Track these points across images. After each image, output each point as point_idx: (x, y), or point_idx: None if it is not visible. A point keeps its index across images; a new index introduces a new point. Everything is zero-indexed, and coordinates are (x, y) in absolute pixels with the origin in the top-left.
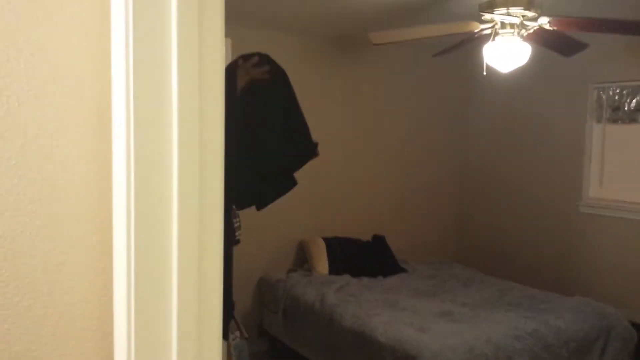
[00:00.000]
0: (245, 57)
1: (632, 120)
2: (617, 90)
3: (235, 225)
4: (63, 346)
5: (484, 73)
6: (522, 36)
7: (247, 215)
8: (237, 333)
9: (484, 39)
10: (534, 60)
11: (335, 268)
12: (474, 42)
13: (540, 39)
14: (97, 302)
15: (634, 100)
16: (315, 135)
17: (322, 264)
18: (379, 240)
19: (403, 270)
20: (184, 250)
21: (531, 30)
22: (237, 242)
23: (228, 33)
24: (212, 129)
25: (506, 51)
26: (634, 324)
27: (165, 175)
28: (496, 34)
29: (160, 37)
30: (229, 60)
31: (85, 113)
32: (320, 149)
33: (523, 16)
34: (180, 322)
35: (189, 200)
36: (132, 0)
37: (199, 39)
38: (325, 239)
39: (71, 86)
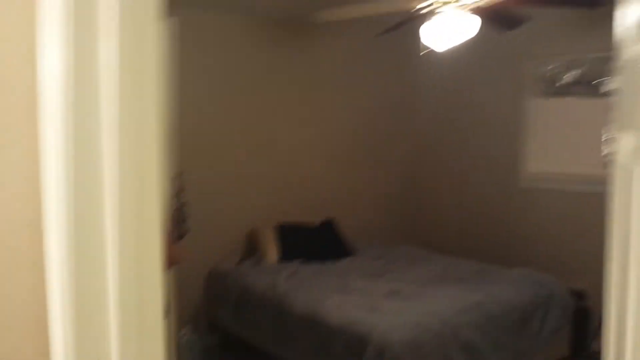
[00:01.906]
0: None
1: (567, 93)
2: (553, 65)
3: (184, 214)
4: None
5: (420, 53)
6: (462, 11)
7: (195, 206)
8: (187, 329)
9: (425, 17)
10: (473, 38)
11: (286, 255)
12: (416, 20)
13: (481, 14)
14: (31, 288)
15: (569, 75)
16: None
17: (272, 252)
18: (328, 224)
19: (352, 252)
20: (122, 236)
21: (471, 6)
22: (187, 231)
23: (173, 13)
24: (149, 112)
25: (446, 29)
26: (572, 291)
27: (99, 162)
28: (436, 11)
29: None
30: (173, 41)
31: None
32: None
33: None
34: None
35: (126, 189)
36: None
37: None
38: (275, 227)
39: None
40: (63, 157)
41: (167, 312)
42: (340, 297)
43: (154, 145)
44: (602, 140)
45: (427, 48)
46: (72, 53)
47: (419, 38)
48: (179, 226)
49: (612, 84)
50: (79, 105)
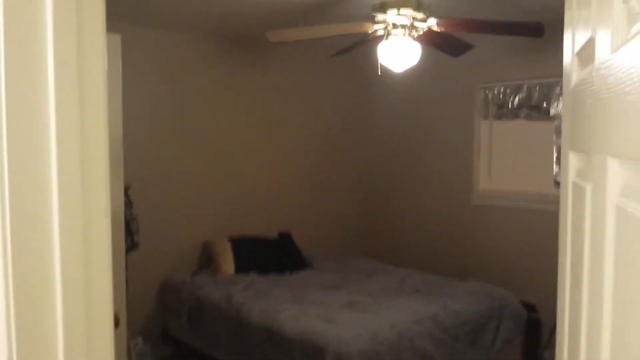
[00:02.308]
0: None
1: (516, 116)
2: (502, 89)
3: (133, 229)
4: None
5: (379, 73)
6: (412, 37)
7: (147, 218)
8: (139, 339)
9: (378, 40)
10: (427, 61)
11: (242, 267)
12: (369, 42)
13: (430, 39)
14: None
15: (517, 98)
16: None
17: (227, 264)
18: (284, 237)
19: (309, 265)
20: (68, 249)
21: (421, 32)
22: (136, 245)
23: (118, 30)
24: (94, 126)
25: (398, 51)
26: (524, 304)
27: (43, 175)
28: (389, 34)
29: (35, 32)
30: (117, 57)
31: None
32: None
33: (413, 17)
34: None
35: (71, 201)
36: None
37: (77, 33)
38: (231, 239)
39: None
40: (7, 169)
41: (116, 323)
42: (297, 309)
43: (98, 158)
44: (551, 160)
45: (385, 68)
46: (15, 64)
47: (373, 59)
48: (127, 240)
49: (558, 107)
50: (22, 117)
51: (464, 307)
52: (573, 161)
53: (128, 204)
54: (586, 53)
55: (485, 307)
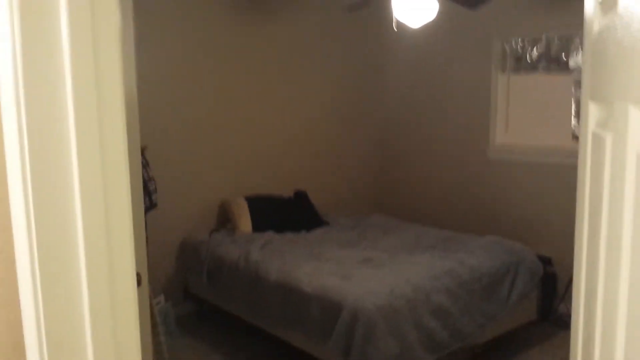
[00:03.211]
0: None
1: (534, 69)
2: (520, 42)
3: (151, 188)
4: None
5: (395, 29)
6: None
7: (166, 178)
8: (161, 297)
9: None
10: (443, 15)
11: (259, 226)
12: None
13: None
14: (1, 269)
15: (535, 51)
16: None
17: (245, 223)
18: (300, 196)
19: (325, 223)
20: (89, 212)
21: None
22: (154, 205)
23: None
24: (109, 86)
25: (415, 5)
26: (540, 257)
27: (62, 136)
28: None
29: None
30: (129, 12)
31: None
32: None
33: None
34: (90, 287)
35: (90, 163)
36: None
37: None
38: (247, 198)
39: None
40: (26, 130)
41: (138, 282)
42: (314, 265)
43: (115, 118)
44: (569, 113)
45: (401, 24)
46: (28, 26)
47: (389, 15)
48: (145, 200)
49: (578, 58)
50: (36, 78)
51: (480, 262)
52: (593, 111)
53: (145, 164)
54: (608, 0)
55: (501, 262)
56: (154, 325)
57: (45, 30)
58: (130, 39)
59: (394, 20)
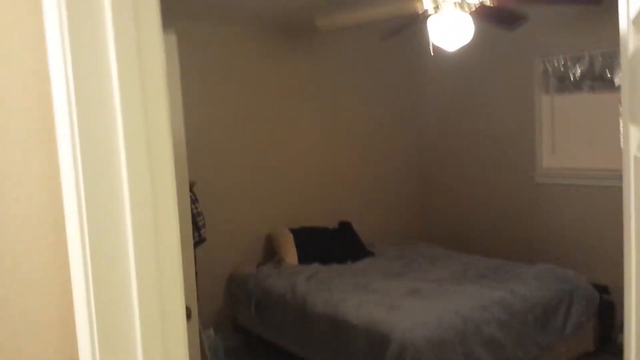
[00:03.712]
0: None
1: (578, 89)
2: (562, 61)
3: (200, 223)
4: (26, 347)
5: (432, 53)
6: (465, 13)
7: (212, 213)
8: (211, 330)
9: (428, 19)
10: (480, 37)
11: (305, 257)
12: (420, 22)
13: (482, 14)
14: (57, 303)
15: (578, 69)
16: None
17: (291, 255)
18: (345, 227)
19: (371, 253)
20: (140, 248)
21: (473, 7)
22: (203, 240)
23: (171, 27)
24: (157, 126)
25: (450, 29)
26: (595, 285)
27: (114, 178)
28: (440, 13)
29: (97, 39)
30: (174, 57)
31: (27, 113)
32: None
33: None
34: (142, 323)
35: (141, 201)
36: (65, 3)
37: (136, 36)
38: (292, 230)
39: (9, 88)
40: (80, 174)
41: (188, 316)
42: (360, 297)
43: (163, 157)
44: (618, 132)
45: (437, 48)
46: (82, 66)
47: (424, 40)
48: (194, 234)
49: (619, 78)
50: (91, 116)
51: (532, 291)
52: (634, 133)
53: (194, 199)
54: None
55: (555, 291)
56: (204, 358)
57: (97, 72)
58: (176, 80)
59: (430, 44)
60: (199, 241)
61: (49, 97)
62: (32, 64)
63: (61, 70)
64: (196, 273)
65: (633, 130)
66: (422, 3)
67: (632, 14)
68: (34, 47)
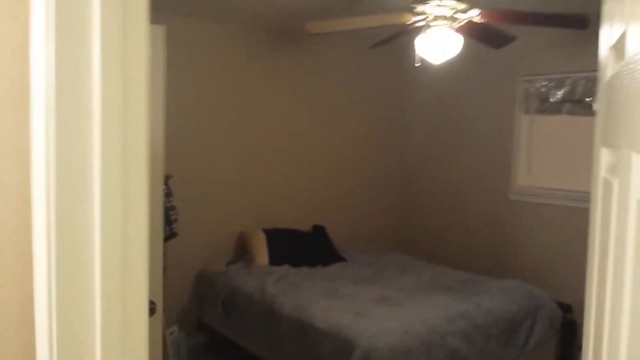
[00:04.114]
0: None
1: (558, 111)
2: (544, 83)
3: (172, 217)
4: None
5: (417, 64)
6: (453, 28)
7: (186, 208)
8: (175, 327)
9: (417, 31)
10: (466, 53)
11: (276, 259)
12: (408, 34)
13: (470, 31)
14: (17, 285)
15: (560, 92)
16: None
17: (262, 255)
18: (318, 231)
19: (342, 259)
20: (107, 238)
21: (462, 23)
22: (174, 234)
23: (163, 20)
24: (135, 117)
25: (437, 43)
26: (560, 304)
27: (85, 163)
28: (428, 26)
29: (82, 21)
30: (162, 48)
31: (4, 96)
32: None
33: (454, 8)
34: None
35: (111, 190)
36: None
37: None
38: (265, 230)
39: None
40: (52, 157)
41: (152, 310)
42: (328, 302)
43: (139, 148)
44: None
45: (423, 60)
46: (64, 55)
47: (412, 51)
48: (166, 228)
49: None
50: (68, 106)
51: (498, 306)
52: (605, 157)
53: (168, 193)
54: (619, 47)
55: (520, 307)
56: (165, 355)
57: (79, 53)
58: (161, 71)
59: (416, 56)
60: (169, 235)
61: (27, 77)
62: (13, 44)
63: (42, 50)
64: (164, 268)
65: (604, 153)
66: (411, 16)
67: (612, 40)
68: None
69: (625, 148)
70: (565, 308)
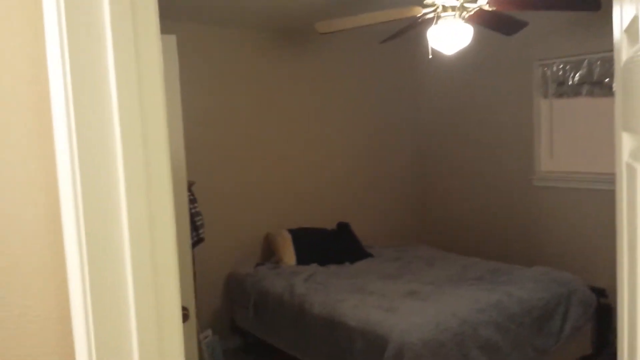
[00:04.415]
0: None
1: (577, 93)
2: (561, 66)
3: (198, 223)
4: (24, 346)
5: (430, 56)
6: (463, 18)
7: (211, 213)
8: (209, 331)
9: (427, 23)
10: (479, 41)
11: (303, 258)
12: (419, 27)
13: (481, 19)
14: (54, 302)
15: (577, 75)
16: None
17: (289, 256)
18: (343, 228)
19: (369, 255)
20: (136, 248)
21: (472, 12)
22: (202, 240)
23: (173, 29)
24: (154, 127)
25: (449, 34)
26: (592, 288)
27: (110, 177)
28: (438, 17)
29: (95, 38)
30: (174, 57)
31: (25, 113)
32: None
33: None
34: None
35: (137, 200)
36: (64, 3)
37: (134, 38)
38: (291, 231)
39: (8, 88)
40: (77, 171)
41: (186, 316)
42: (358, 299)
43: (160, 157)
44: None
45: (435, 52)
46: (80, 67)
47: (424, 43)
48: (192, 235)
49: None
50: (87, 120)
51: (529, 294)
52: (627, 141)
53: (192, 199)
54: (633, 31)
55: (552, 294)
56: (201, 359)
57: (94, 72)
58: (175, 80)
59: (429, 48)
60: (197, 241)
61: (47, 98)
62: (30, 65)
63: (59, 70)
64: (194, 274)
65: (625, 138)
66: (420, 8)
67: (625, 24)
68: (32, 48)
69: None
70: (599, 292)
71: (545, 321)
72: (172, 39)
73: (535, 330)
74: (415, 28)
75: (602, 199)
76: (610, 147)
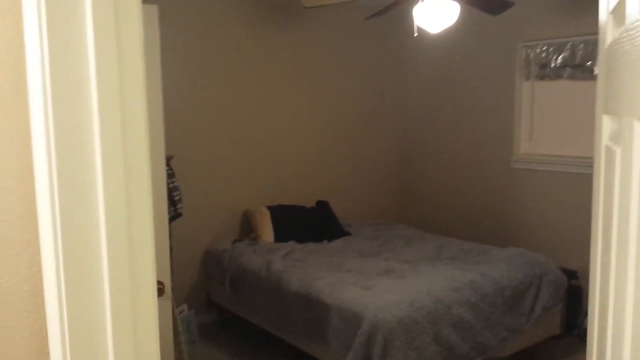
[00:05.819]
0: None
1: (558, 76)
2: (544, 48)
3: (176, 198)
4: None
5: (415, 34)
6: None
7: (190, 188)
8: (185, 306)
9: (414, 0)
10: (464, 21)
11: (281, 236)
12: (405, 3)
13: None
14: (26, 274)
15: (560, 57)
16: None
17: (267, 233)
18: (322, 206)
19: (347, 233)
20: (112, 221)
21: None
22: (179, 215)
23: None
24: (133, 98)
25: (435, 12)
26: (564, 270)
27: (86, 148)
28: None
29: (73, 5)
30: (155, 28)
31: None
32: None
33: None
34: (112, 296)
35: (114, 173)
36: None
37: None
38: (270, 208)
39: None
40: (52, 144)
41: (161, 290)
42: (335, 276)
43: (138, 129)
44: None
45: (421, 30)
46: (57, 39)
47: (409, 21)
48: (170, 209)
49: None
50: (64, 90)
51: (502, 274)
52: (607, 124)
53: (170, 174)
54: (619, 12)
55: (524, 274)
56: (176, 334)
57: (72, 40)
58: (156, 51)
59: (414, 26)
60: (174, 216)
61: (22, 63)
62: (7, 28)
63: (36, 37)
64: (171, 248)
65: (605, 120)
66: None
67: (612, 5)
68: (9, 11)
69: (626, 116)
70: (571, 274)
71: (517, 301)
72: (154, 9)
73: (507, 309)
74: (401, 5)
75: (577, 182)
76: (589, 131)
